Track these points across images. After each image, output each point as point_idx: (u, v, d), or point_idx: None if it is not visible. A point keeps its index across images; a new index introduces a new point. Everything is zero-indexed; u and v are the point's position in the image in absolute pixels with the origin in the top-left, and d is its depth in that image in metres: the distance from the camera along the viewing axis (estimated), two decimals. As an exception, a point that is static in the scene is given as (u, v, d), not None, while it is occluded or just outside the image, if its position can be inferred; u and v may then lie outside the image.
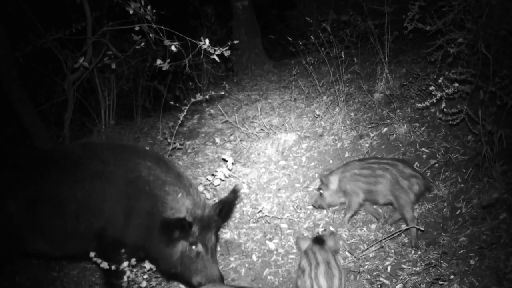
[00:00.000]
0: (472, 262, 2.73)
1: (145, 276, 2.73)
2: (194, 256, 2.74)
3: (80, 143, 3.02)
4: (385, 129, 4.09)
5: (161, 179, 2.80)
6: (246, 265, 3.22)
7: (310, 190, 3.76)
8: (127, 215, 2.76)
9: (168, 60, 3.90)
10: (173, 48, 3.72)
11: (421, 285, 2.69)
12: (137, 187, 2.77)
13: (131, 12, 3.70)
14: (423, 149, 3.74)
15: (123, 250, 2.73)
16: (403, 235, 3.15)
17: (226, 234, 3.49)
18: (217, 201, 2.99)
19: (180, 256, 2.75)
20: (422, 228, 3.06)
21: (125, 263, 2.65)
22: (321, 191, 3.37)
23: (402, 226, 3.17)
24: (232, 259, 3.29)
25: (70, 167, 2.87)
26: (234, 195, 2.88)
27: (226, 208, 2.85)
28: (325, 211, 3.52)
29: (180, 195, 2.77)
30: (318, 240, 2.61)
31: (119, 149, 2.99)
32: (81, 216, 2.79)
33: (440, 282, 2.63)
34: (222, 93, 5.01)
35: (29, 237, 2.91)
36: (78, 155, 2.91)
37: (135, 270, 2.69)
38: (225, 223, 3.59)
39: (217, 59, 3.80)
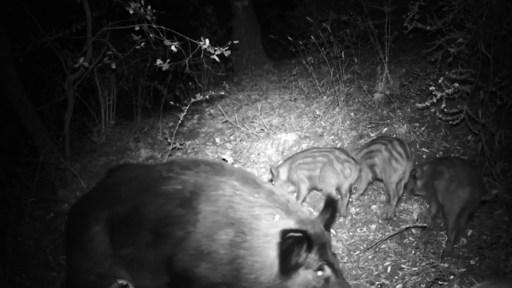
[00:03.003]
0: (472, 262, 2.73)
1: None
2: (323, 285, 2.13)
3: (166, 162, 2.66)
4: (385, 129, 4.09)
5: (249, 200, 2.28)
6: (246, 265, 3.21)
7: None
8: (199, 242, 2.26)
9: (168, 60, 3.89)
10: (173, 48, 3.71)
11: (421, 285, 2.69)
12: (214, 209, 2.29)
13: (131, 12, 3.69)
14: (423, 149, 3.74)
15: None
16: (403, 234, 3.15)
17: (226, 234, 3.48)
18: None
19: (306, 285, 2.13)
20: (425, 225, 3.10)
21: None
22: (273, 183, 3.59)
23: (402, 226, 3.17)
24: (232, 259, 3.28)
25: (149, 188, 2.49)
26: (333, 204, 2.35)
27: (330, 220, 2.35)
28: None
29: (277, 217, 2.21)
30: None
31: (203, 168, 2.50)
32: (152, 242, 2.37)
33: (440, 282, 2.63)
34: (222, 93, 5.00)
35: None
36: (160, 175, 2.50)
37: None
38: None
39: (217, 59, 3.80)
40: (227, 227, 2.22)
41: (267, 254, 2.14)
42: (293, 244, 2.06)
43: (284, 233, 2.07)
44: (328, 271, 2.13)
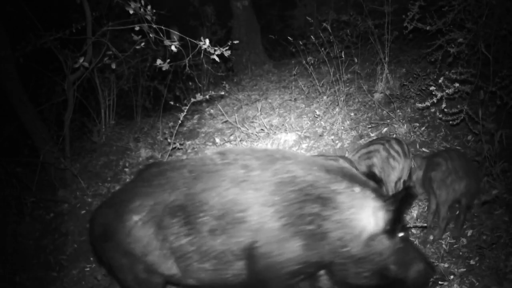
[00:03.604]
0: (472, 262, 2.73)
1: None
2: (403, 245, 2.21)
3: (218, 151, 2.51)
4: (385, 129, 4.09)
5: (323, 177, 2.24)
6: (246, 265, 3.21)
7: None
8: (283, 222, 2.16)
9: (168, 60, 3.89)
10: (173, 48, 3.72)
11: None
12: (292, 189, 2.20)
13: (131, 12, 3.69)
14: (423, 149, 3.74)
15: (285, 271, 2.17)
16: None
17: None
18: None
19: (393, 249, 2.17)
20: (425, 225, 3.10)
21: None
22: None
23: (402, 226, 3.17)
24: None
25: (207, 174, 2.34)
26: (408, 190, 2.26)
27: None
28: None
29: (357, 189, 2.21)
30: None
31: (263, 153, 2.43)
32: (218, 229, 2.21)
33: (440, 282, 2.63)
34: (222, 93, 5.01)
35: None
36: (215, 163, 2.39)
37: None
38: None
39: (217, 59, 3.80)
40: (310, 203, 2.16)
41: (355, 225, 2.15)
42: (405, 203, 2.14)
43: (397, 196, 2.14)
44: (406, 231, 2.25)
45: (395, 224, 2.14)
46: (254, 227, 2.15)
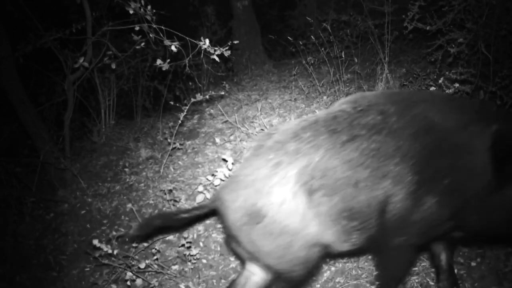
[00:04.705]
0: (472, 263, 2.73)
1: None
2: None
3: (347, 100, 2.37)
4: (385, 129, 4.08)
5: (461, 120, 2.07)
6: (246, 265, 3.21)
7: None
8: (422, 174, 2.00)
9: (168, 60, 3.89)
10: (173, 48, 3.71)
11: (421, 285, 2.69)
12: (431, 138, 2.04)
13: (131, 12, 3.69)
14: (423, 149, 3.74)
15: (418, 230, 2.04)
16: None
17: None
18: None
19: None
20: None
21: None
22: None
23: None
24: (232, 259, 3.28)
25: (340, 128, 2.17)
26: None
27: None
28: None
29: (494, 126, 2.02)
30: None
31: (398, 97, 2.27)
32: (361, 182, 2.07)
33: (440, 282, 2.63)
34: (222, 93, 5.00)
35: None
36: (347, 113, 2.25)
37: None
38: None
39: (217, 59, 3.79)
40: (447, 153, 2.01)
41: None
42: None
43: None
44: None
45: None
46: (391, 180, 2.00)
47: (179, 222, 2.49)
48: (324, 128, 2.18)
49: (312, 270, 2.27)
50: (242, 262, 2.55)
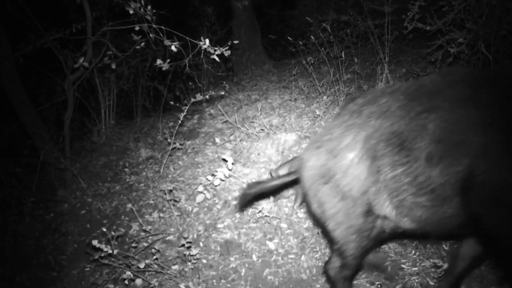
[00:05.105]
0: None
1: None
2: None
3: (439, 72, 2.27)
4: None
5: None
6: (246, 265, 3.22)
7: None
8: (504, 146, 1.82)
9: (168, 60, 3.90)
10: (173, 48, 3.72)
11: (421, 285, 2.69)
12: None
13: (131, 12, 3.69)
14: (423, 149, 3.74)
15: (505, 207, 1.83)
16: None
17: (226, 234, 3.49)
18: None
19: None
20: None
21: None
22: None
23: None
24: (232, 259, 3.29)
25: (423, 97, 2.04)
26: None
27: None
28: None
29: None
30: None
31: (489, 74, 2.18)
32: (435, 157, 1.90)
33: (440, 282, 2.63)
34: (222, 93, 5.01)
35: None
36: (436, 83, 2.11)
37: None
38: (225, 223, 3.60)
39: (217, 59, 3.80)
40: None
41: None
42: None
43: None
44: None
45: None
46: (474, 152, 1.83)
47: (272, 189, 2.59)
48: (403, 96, 2.08)
49: (366, 247, 2.20)
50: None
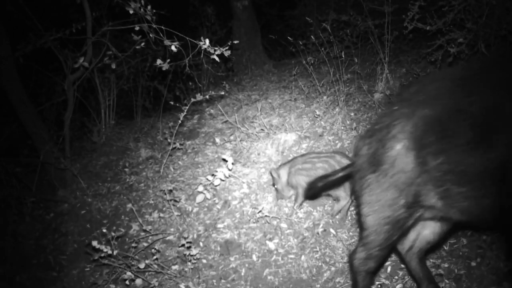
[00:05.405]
0: (472, 263, 2.73)
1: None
2: None
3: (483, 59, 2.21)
4: (385, 129, 4.08)
5: None
6: (246, 265, 3.22)
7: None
8: None
9: (168, 60, 3.90)
10: (173, 48, 3.72)
11: (421, 285, 2.69)
12: None
13: (131, 12, 3.69)
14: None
15: None
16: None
17: (226, 234, 3.49)
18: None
19: None
20: None
21: None
22: (276, 186, 3.63)
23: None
24: (232, 259, 3.29)
25: (468, 83, 1.99)
26: None
27: None
28: (324, 212, 3.52)
29: None
30: None
31: None
32: (472, 143, 1.85)
33: (440, 282, 2.63)
34: (222, 93, 5.01)
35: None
36: (482, 68, 2.07)
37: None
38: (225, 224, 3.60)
39: (217, 59, 3.80)
40: None
41: None
42: None
43: None
44: None
45: None
46: (508, 141, 1.76)
47: (337, 181, 2.60)
48: (451, 82, 2.04)
49: (395, 238, 2.18)
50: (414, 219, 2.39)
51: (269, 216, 3.50)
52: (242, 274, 3.15)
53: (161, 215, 3.77)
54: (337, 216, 3.44)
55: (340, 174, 2.50)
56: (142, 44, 4.08)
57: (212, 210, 3.76)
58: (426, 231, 2.44)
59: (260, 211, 3.50)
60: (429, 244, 2.48)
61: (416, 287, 2.68)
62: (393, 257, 2.97)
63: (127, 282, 3.05)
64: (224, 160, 3.74)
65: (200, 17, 6.84)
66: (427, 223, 2.39)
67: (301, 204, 3.59)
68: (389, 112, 2.17)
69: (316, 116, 4.55)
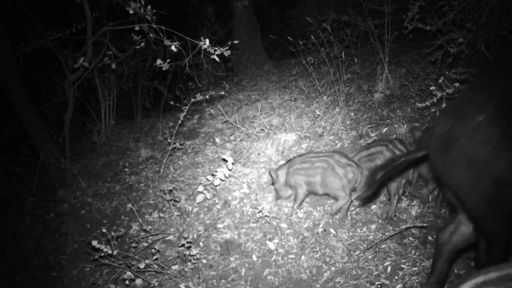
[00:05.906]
0: (472, 263, 2.73)
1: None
2: None
3: None
4: (385, 129, 4.09)
5: None
6: (246, 265, 3.22)
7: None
8: None
9: (168, 60, 3.90)
10: (173, 48, 3.72)
11: (421, 285, 2.69)
12: None
13: (131, 12, 3.69)
14: (423, 149, 3.74)
15: None
16: (403, 234, 3.15)
17: (226, 234, 3.49)
18: None
19: None
20: (425, 225, 3.10)
21: None
22: (275, 186, 3.65)
23: (402, 226, 3.17)
24: (232, 259, 3.29)
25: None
26: None
27: None
28: (323, 212, 3.52)
29: None
30: None
31: None
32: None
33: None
34: (222, 93, 5.01)
35: None
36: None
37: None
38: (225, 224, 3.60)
39: (217, 59, 3.80)
40: None
41: None
42: None
43: None
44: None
45: None
46: None
47: (399, 168, 2.29)
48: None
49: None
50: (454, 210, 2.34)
51: (269, 216, 3.50)
52: (242, 274, 3.15)
53: (161, 215, 3.77)
54: (337, 216, 3.44)
55: (410, 158, 2.20)
56: (142, 44, 4.08)
57: (212, 210, 3.76)
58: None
59: (260, 211, 3.50)
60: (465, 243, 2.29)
61: (416, 287, 2.68)
62: (393, 257, 2.97)
63: (127, 282, 3.05)
64: (224, 160, 3.74)
65: (200, 17, 6.85)
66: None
67: (300, 204, 3.60)
68: (472, 86, 2.00)
69: (316, 116, 4.55)
